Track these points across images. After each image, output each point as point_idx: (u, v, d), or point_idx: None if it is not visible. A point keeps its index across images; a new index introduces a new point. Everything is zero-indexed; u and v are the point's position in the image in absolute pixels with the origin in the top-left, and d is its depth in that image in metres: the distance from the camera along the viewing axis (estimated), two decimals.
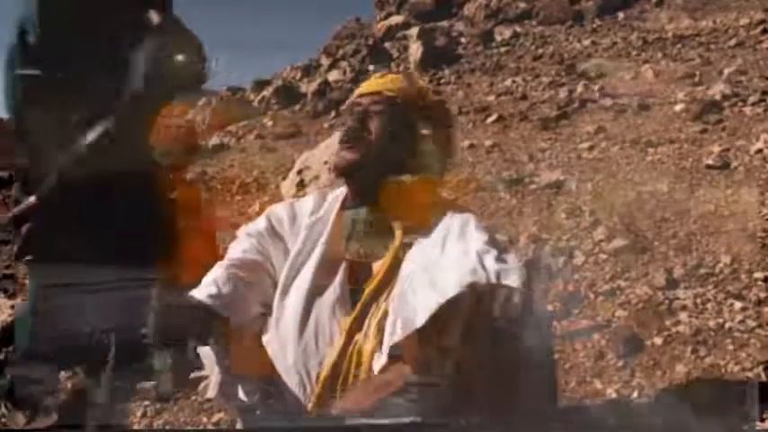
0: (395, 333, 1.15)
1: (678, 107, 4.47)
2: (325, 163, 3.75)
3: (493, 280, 1.13)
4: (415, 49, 7.44)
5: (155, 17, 1.87)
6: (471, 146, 4.42)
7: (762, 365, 2.00)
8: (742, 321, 2.22)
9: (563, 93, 5.41)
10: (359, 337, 1.23)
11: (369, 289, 1.26)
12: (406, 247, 1.27)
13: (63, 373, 2.26)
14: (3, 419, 2.04)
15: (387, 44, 8.34)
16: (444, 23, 8.75)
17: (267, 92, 7.38)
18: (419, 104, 1.38)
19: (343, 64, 7.84)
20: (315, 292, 1.29)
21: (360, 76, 7.05)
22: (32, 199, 1.92)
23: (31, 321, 2.02)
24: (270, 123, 6.58)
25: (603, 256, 2.76)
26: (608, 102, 4.92)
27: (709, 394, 1.92)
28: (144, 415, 2.20)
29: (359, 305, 1.25)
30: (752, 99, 4.36)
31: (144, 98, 1.86)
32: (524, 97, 5.57)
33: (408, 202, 1.30)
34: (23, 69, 1.90)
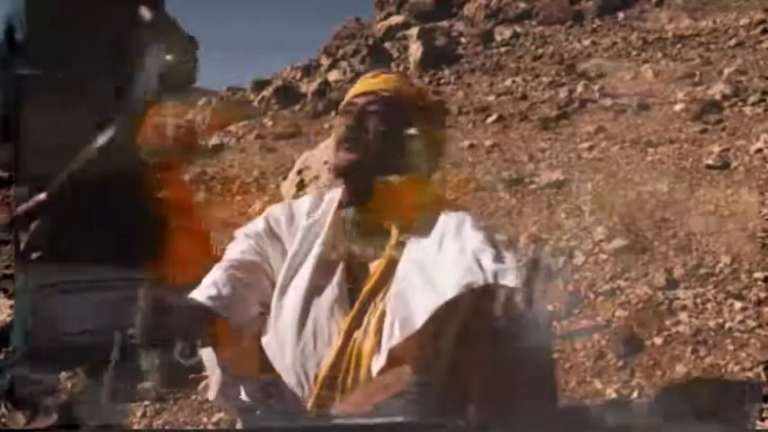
0: (393, 335, 1.15)
1: (678, 107, 4.47)
2: (325, 163, 3.76)
3: (490, 280, 1.12)
4: (415, 49, 7.44)
5: (146, 14, 1.87)
6: (471, 146, 4.42)
7: (762, 365, 1.99)
8: (742, 321, 2.22)
9: (563, 93, 5.41)
10: (358, 334, 1.23)
11: (366, 288, 1.26)
12: (402, 246, 1.27)
13: (63, 374, 2.26)
14: (3, 419, 2.04)
15: (387, 44, 8.35)
16: (444, 23, 8.75)
17: (267, 92, 7.37)
18: (419, 104, 1.38)
19: (343, 64, 7.84)
20: (313, 291, 1.29)
21: (360, 76, 7.04)
22: (42, 196, 1.91)
23: (31, 321, 2.02)
24: (270, 123, 6.58)
25: (603, 256, 2.76)
26: (608, 102, 4.92)
27: (709, 394, 1.92)
28: (144, 415, 2.19)
29: (357, 304, 1.25)
30: (752, 99, 4.36)
31: (138, 99, 1.86)
32: (524, 97, 5.58)
33: (397, 202, 1.30)
34: (10, 67, 1.90)
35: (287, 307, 1.30)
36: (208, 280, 1.29)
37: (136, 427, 2.15)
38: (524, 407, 1.15)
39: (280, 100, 7.19)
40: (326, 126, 6.06)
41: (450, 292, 1.12)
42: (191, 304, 1.24)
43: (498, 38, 7.94)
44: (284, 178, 4.23)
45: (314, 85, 7.27)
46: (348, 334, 1.23)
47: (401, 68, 7.39)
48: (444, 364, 1.12)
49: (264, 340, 1.31)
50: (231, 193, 4.63)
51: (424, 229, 1.28)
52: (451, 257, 1.19)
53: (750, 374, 1.98)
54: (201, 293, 1.26)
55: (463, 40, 8.03)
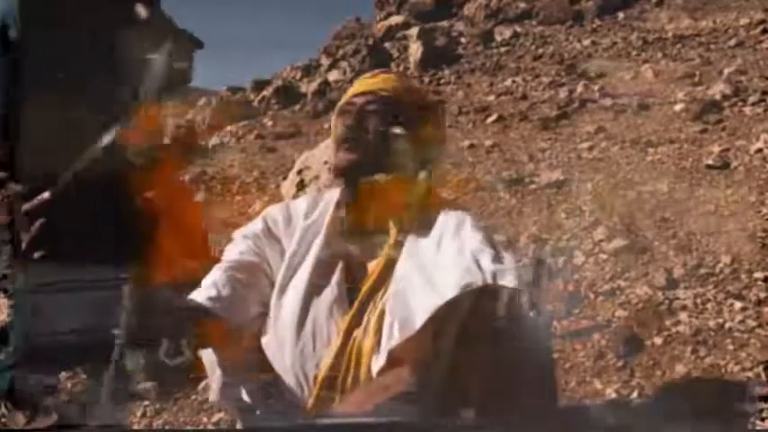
0: (393, 336, 1.15)
1: (678, 107, 4.48)
2: (325, 163, 3.76)
3: (489, 281, 1.12)
4: (415, 49, 7.44)
5: (142, 11, 1.86)
6: (471, 146, 4.42)
7: (762, 365, 2.00)
8: (742, 321, 2.22)
9: (563, 93, 5.41)
10: (357, 333, 1.22)
11: (365, 288, 1.26)
12: (400, 245, 1.27)
13: (63, 374, 2.26)
14: (3, 419, 2.04)
15: (387, 44, 8.35)
16: (444, 23, 8.75)
17: (267, 92, 7.38)
18: (418, 104, 1.38)
19: (343, 64, 7.85)
20: (312, 291, 1.29)
21: (360, 76, 7.04)
22: (46, 195, 1.91)
23: (31, 321, 2.02)
24: (270, 123, 6.59)
25: (603, 256, 2.76)
26: (608, 102, 4.92)
27: (709, 394, 1.92)
28: (144, 415, 2.20)
29: (356, 303, 1.25)
30: (752, 99, 4.36)
31: (135, 99, 1.85)
32: (524, 97, 5.58)
33: (383, 201, 1.30)
34: (5, 65, 1.89)
35: (286, 307, 1.30)
36: (207, 281, 1.29)
37: (136, 427, 2.15)
38: (524, 407, 1.15)
39: (280, 100, 7.20)
40: (326, 126, 6.05)
41: (449, 293, 1.11)
42: (191, 305, 1.24)
43: (498, 38, 7.95)
44: (284, 178, 4.24)
45: (314, 85, 7.27)
46: (347, 333, 1.23)
47: (401, 68, 7.39)
48: (444, 365, 1.12)
49: (264, 340, 1.31)
50: (231, 193, 4.64)
51: (423, 228, 1.28)
52: (450, 257, 1.19)
53: (750, 374, 1.98)
54: (201, 294, 1.26)
55: (463, 40, 8.03)
